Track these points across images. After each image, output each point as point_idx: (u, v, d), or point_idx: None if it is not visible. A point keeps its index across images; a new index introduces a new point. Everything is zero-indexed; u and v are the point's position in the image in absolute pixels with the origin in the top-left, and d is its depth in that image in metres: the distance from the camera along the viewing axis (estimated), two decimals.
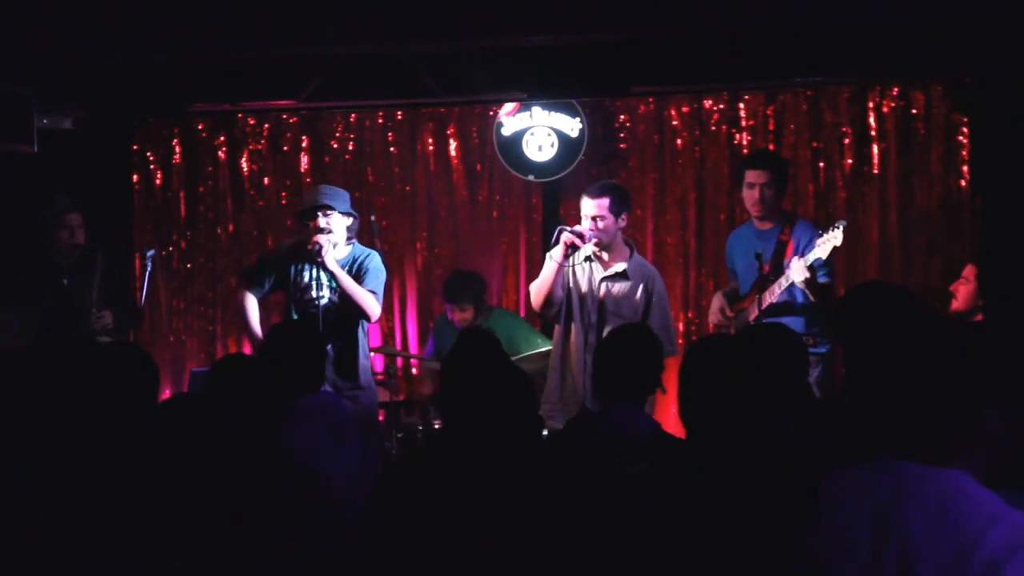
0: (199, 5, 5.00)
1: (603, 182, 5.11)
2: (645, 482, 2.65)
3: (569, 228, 4.85)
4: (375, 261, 5.07)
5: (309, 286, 5.02)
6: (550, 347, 5.23)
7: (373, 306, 4.96)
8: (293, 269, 5.06)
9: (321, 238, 4.90)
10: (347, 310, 4.97)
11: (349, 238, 5.08)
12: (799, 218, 5.20)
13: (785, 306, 4.90)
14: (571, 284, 4.91)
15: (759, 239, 5.03)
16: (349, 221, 5.06)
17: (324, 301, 4.97)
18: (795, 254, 4.81)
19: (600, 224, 4.83)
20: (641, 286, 4.90)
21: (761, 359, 2.90)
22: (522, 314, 6.57)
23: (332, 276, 4.92)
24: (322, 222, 4.93)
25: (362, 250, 5.12)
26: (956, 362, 1.81)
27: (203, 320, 6.89)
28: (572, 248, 4.83)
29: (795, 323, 4.83)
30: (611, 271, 4.90)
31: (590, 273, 4.91)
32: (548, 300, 4.89)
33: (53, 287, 5.41)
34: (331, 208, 4.94)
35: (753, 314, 4.92)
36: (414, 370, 6.71)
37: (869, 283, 3.58)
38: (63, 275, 5.44)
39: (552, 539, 2.50)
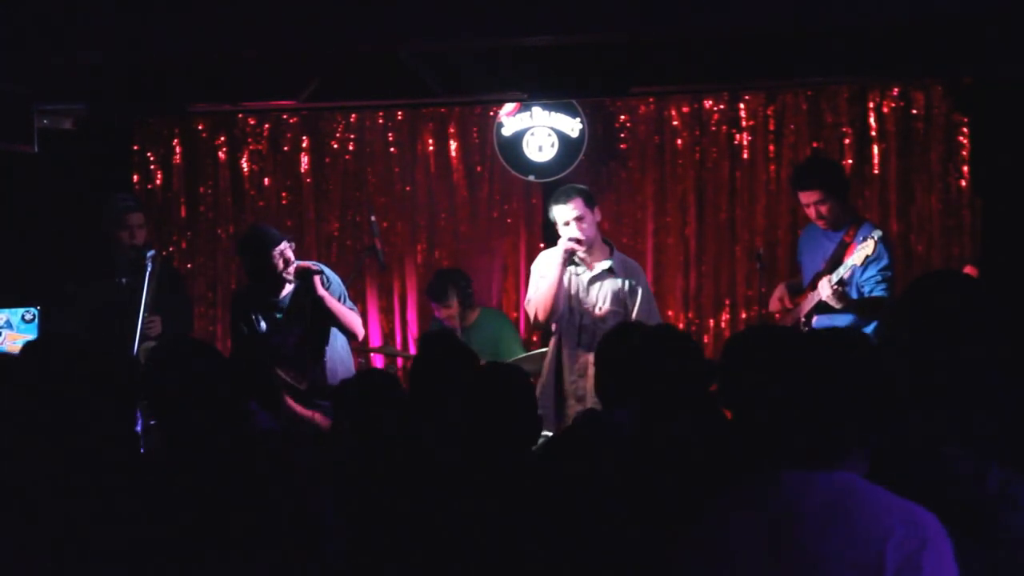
0: (200, 5, 5.00)
1: (565, 186, 5.12)
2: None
3: (569, 238, 4.85)
4: (328, 272, 4.95)
5: (272, 331, 4.89)
6: (541, 350, 5.28)
7: (359, 324, 4.94)
8: (252, 322, 4.93)
9: (306, 263, 4.80)
10: (315, 339, 4.88)
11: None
12: (866, 220, 5.13)
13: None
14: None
15: (827, 239, 5.03)
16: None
17: (292, 339, 4.87)
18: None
19: (584, 224, 4.86)
20: (627, 281, 4.95)
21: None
22: (514, 315, 6.59)
23: (321, 300, 4.79)
24: (290, 253, 4.82)
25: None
26: (857, 372, 1.85)
27: (203, 320, 6.88)
28: (571, 255, 4.86)
29: (844, 324, 4.81)
30: (597, 269, 4.93)
31: (574, 276, 4.94)
32: (555, 309, 4.88)
33: (108, 285, 5.40)
34: (292, 240, 4.86)
35: (804, 310, 4.96)
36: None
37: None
38: (120, 274, 5.42)
39: (555, 540, 2.50)
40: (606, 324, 4.78)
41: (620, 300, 4.91)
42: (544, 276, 4.91)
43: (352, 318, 4.91)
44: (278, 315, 4.90)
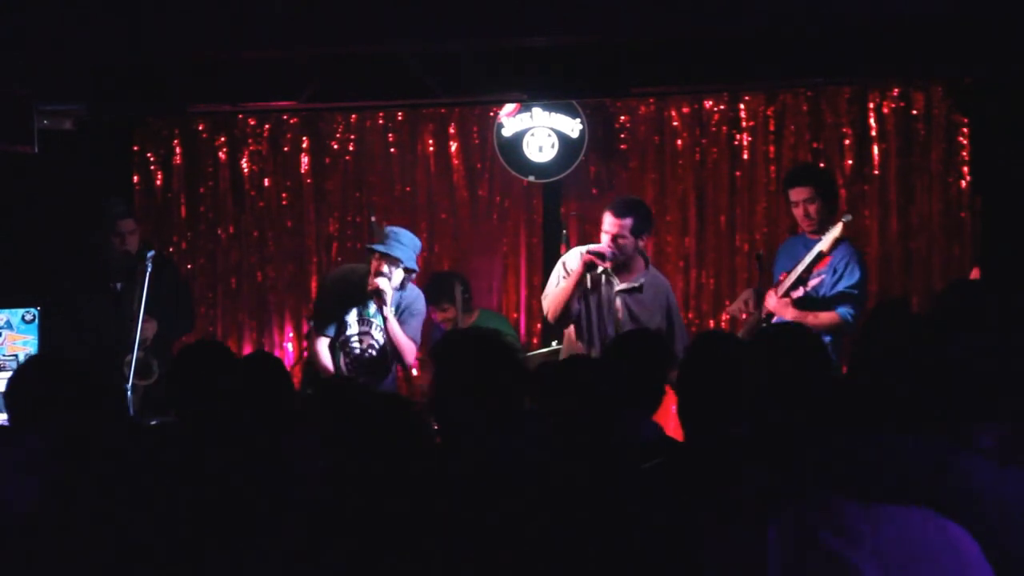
0: (200, 5, 5.00)
1: (628, 199, 5.01)
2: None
3: (592, 249, 4.79)
4: (419, 304, 5.08)
5: (364, 327, 5.04)
6: (540, 351, 5.25)
7: (412, 355, 5.06)
8: (356, 309, 5.04)
9: (382, 283, 4.84)
10: (386, 355, 5.03)
11: (400, 288, 5.00)
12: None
13: (804, 302, 4.91)
14: (588, 295, 4.86)
15: (804, 247, 5.00)
16: (405, 275, 4.96)
17: (373, 343, 5.02)
18: (830, 268, 4.79)
19: (619, 243, 4.78)
20: (658, 301, 4.90)
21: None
22: (514, 316, 6.58)
23: (385, 320, 4.92)
24: (385, 268, 4.85)
25: (409, 293, 5.05)
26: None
27: (203, 320, 6.87)
28: (591, 266, 4.80)
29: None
30: (627, 285, 4.88)
31: (605, 285, 4.87)
32: (565, 313, 4.84)
33: (103, 292, 5.40)
34: (398, 262, 4.87)
35: (766, 310, 4.96)
36: (414, 371, 6.70)
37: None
38: (114, 279, 5.42)
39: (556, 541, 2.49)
40: None
41: (648, 319, 4.83)
42: (566, 276, 4.87)
43: (407, 346, 4.99)
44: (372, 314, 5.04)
